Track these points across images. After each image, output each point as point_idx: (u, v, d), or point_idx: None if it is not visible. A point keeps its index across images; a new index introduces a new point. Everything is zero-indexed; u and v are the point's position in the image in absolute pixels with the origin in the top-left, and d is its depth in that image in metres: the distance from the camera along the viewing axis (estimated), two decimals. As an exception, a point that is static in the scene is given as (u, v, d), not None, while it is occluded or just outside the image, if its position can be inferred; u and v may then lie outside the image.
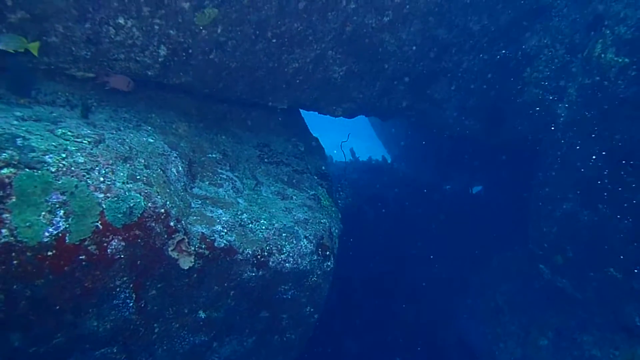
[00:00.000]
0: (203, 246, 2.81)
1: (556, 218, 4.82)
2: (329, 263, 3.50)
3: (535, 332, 6.06)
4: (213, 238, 2.88)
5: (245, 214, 3.23)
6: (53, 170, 2.26)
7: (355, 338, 6.84)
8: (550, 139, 4.66)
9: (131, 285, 2.52)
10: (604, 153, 4.19)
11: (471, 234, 7.61)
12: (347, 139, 9.69)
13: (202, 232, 2.86)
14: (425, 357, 7.35)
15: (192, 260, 2.65)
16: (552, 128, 4.58)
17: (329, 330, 6.48)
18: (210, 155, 3.59)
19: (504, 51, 4.45)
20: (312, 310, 3.55)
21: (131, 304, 2.56)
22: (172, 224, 2.60)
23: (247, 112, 4.61)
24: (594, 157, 4.29)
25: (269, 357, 3.57)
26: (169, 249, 2.56)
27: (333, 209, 4.02)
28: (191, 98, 4.14)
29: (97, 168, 2.42)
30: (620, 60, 4.05)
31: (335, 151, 9.86)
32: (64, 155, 2.34)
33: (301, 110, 5.05)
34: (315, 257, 3.37)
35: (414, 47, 4.05)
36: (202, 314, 2.96)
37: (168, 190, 2.71)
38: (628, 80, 3.93)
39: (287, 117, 4.88)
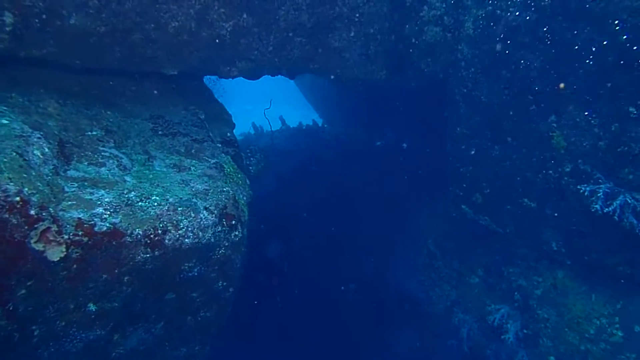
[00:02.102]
0: (80, 233, 2.50)
1: (470, 157, 4.82)
2: (237, 233, 3.28)
3: (466, 273, 6.20)
4: (92, 222, 2.58)
5: (133, 192, 2.92)
6: None
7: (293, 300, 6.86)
8: (456, 77, 4.61)
9: (-9, 288, 2.19)
10: (505, 85, 4.18)
11: (403, 188, 7.64)
12: (270, 105, 9.41)
13: (79, 218, 2.54)
14: (369, 312, 7.43)
15: (64, 250, 2.35)
16: (457, 65, 4.52)
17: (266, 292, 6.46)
18: (89, 133, 3.22)
19: (399, -9, 4.29)
20: (225, 284, 3.34)
21: (-4, 309, 2.24)
22: (32, 212, 2.27)
23: (139, 84, 4.22)
24: (496, 90, 4.27)
25: (185, 340, 3.35)
26: (32, 241, 2.24)
27: (239, 175, 3.77)
28: (71, 73, 3.71)
29: None
30: (512, -11, 4.00)
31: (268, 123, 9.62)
32: None
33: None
34: (220, 229, 3.13)
35: (305, -6, 3.80)
36: (92, 307, 2.67)
37: (25, 176, 2.36)
38: (518, 6, 3.89)
39: (186, 86, 4.53)
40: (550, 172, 4.26)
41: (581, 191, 3.98)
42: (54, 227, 2.34)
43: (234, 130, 4.55)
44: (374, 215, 7.76)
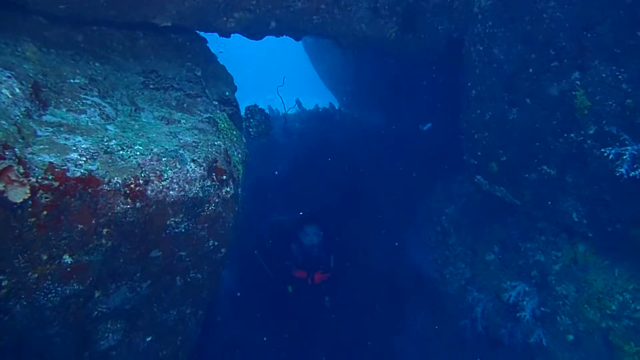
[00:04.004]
0: (50, 177, 2.31)
1: (486, 122, 4.51)
2: (228, 189, 3.06)
3: (481, 249, 5.91)
4: (65, 167, 2.39)
5: (114, 141, 2.72)
6: None
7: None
8: (472, 34, 4.28)
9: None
10: (523, 40, 3.85)
11: (418, 168, 7.39)
12: (283, 82, 9.22)
13: (50, 162, 2.35)
14: (384, 294, 7.22)
15: (27, 192, 2.16)
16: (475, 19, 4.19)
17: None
18: (71, 80, 3.03)
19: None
20: (216, 244, 3.13)
21: (-44, 256, 2.07)
22: (-8, 149, 2.07)
23: (133, 40, 4.03)
24: (515, 46, 3.95)
25: (174, 302, 3.16)
26: (-9, 180, 2.06)
27: (234, 132, 3.55)
28: (57, 23, 3.53)
29: None
30: None
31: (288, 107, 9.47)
32: None
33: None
34: (209, 183, 2.92)
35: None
36: (67, 259, 2.49)
37: (-13, 111, 2.17)
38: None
39: (184, 44, 4.31)
40: (572, 135, 3.93)
41: (605, 154, 3.66)
42: (18, 167, 2.14)
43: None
44: (388, 197, 7.53)
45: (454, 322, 6.28)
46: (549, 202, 4.42)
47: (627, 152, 3.54)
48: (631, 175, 3.51)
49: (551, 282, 4.87)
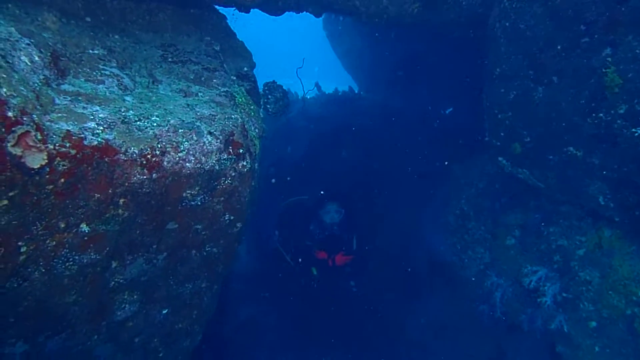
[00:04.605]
0: (67, 144, 2.30)
1: (509, 101, 4.38)
2: (245, 163, 3.03)
3: (502, 233, 5.79)
4: (82, 136, 2.38)
5: (131, 111, 2.71)
6: None
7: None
8: (497, 9, 4.14)
9: (-34, 196, 2.03)
10: (551, 15, 3.70)
11: (439, 151, 7.26)
12: (302, 64, 9.15)
13: (67, 130, 2.35)
14: (400, 280, 7.16)
15: (45, 158, 2.15)
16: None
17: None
18: (90, 51, 3.02)
19: None
20: (232, 218, 3.11)
21: (-27, 220, 2.09)
22: (10, 114, 2.07)
23: (152, 14, 4.00)
24: (543, 20, 3.80)
25: (190, 275, 3.17)
26: (9, 145, 2.05)
27: (252, 107, 3.51)
28: None
29: None
30: None
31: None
32: None
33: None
34: (226, 156, 2.89)
35: None
36: (85, 228, 2.50)
37: (5, 76, 2.16)
38: None
39: (203, 17, 4.27)
40: (601, 114, 3.78)
41: (637, 135, 3.52)
42: (35, 133, 2.14)
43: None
44: (407, 181, 7.43)
45: (472, 307, 6.19)
46: (574, 185, 4.29)
47: (659, 132, 3.39)
48: (663, 156, 3.37)
49: (574, 268, 4.75)
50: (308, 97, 9.80)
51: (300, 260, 6.04)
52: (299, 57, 9.39)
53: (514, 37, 4.10)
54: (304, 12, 4.63)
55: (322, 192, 6.02)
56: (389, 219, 7.45)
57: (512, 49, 4.16)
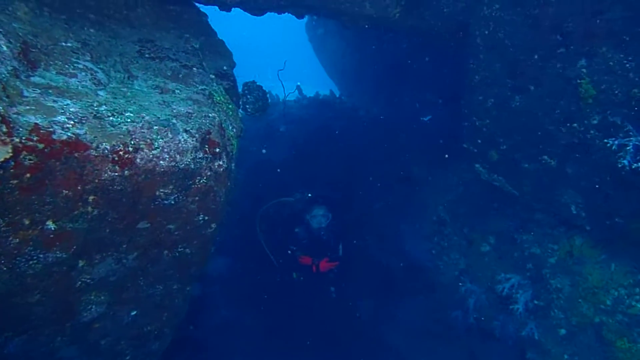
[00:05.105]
0: (34, 138, 2.22)
1: (488, 109, 4.43)
2: (221, 162, 2.98)
3: (477, 240, 5.85)
4: (51, 129, 2.30)
5: (104, 106, 2.63)
6: None
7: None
8: (478, 17, 4.18)
9: None
10: (530, 24, 3.75)
11: (418, 157, 7.29)
12: (284, 66, 9.10)
13: (36, 123, 2.26)
14: (378, 285, 7.14)
15: (9, 151, 2.07)
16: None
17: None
18: (63, 43, 2.93)
19: None
20: (206, 218, 3.05)
21: None
22: (-26, 104, 1.98)
23: (131, 9, 3.91)
24: (522, 30, 3.85)
25: (161, 276, 3.09)
26: (-29, 136, 1.97)
27: (230, 106, 3.46)
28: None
29: None
30: None
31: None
32: None
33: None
34: (201, 155, 2.84)
35: None
36: (51, 225, 2.41)
37: (-30, 65, 2.07)
38: None
39: (182, 14, 4.21)
40: (575, 125, 3.85)
41: (608, 145, 3.58)
42: (0, 126, 2.06)
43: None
44: (386, 186, 7.45)
45: (446, 312, 6.23)
46: (548, 194, 4.35)
47: (630, 143, 3.47)
48: (634, 167, 3.45)
49: (546, 276, 4.82)
50: (289, 98, 9.76)
51: (282, 262, 5.95)
52: (280, 60, 9.34)
53: (493, 45, 4.15)
54: (286, 12, 4.61)
55: (309, 195, 5.93)
56: (369, 224, 7.46)
57: (491, 56, 4.21)
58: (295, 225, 5.95)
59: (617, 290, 4.19)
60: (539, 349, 4.85)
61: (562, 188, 4.20)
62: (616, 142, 3.54)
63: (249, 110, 4.18)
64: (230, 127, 3.26)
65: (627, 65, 3.40)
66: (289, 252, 5.86)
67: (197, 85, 3.34)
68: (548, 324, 4.77)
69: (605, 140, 3.60)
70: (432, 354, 6.47)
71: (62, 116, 2.40)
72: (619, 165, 3.50)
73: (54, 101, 2.47)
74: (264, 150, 7.65)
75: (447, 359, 6.29)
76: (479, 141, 4.67)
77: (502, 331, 5.40)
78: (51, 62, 2.74)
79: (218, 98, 3.34)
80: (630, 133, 3.49)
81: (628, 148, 3.46)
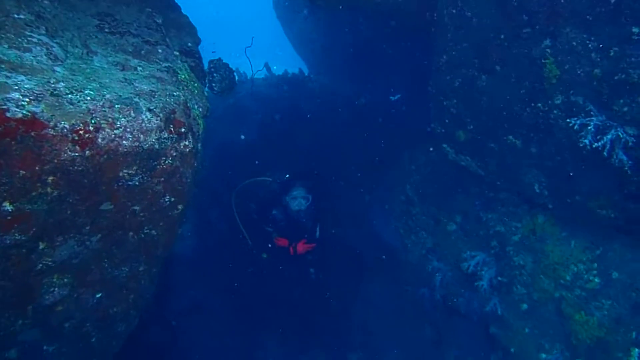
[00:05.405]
0: (-14, 116, 2.11)
1: (455, 89, 4.46)
2: (187, 142, 2.91)
3: (444, 219, 5.96)
4: (5, 107, 2.19)
5: (62, 83, 2.52)
6: None
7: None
8: (446, -3, 4.19)
9: None
10: (497, 4, 3.78)
11: (387, 137, 7.31)
12: (251, 43, 8.92)
13: (-13, 100, 2.15)
14: (348, 265, 7.19)
15: (-42, 129, 1.96)
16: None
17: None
18: (15, 15, 2.78)
19: None
20: (172, 199, 3.00)
21: None
22: None
23: (89, -18, 3.74)
24: (489, 9, 3.87)
25: (126, 258, 3.03)
26: None
27: (195, 84, 3.38)
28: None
29: None
30: None
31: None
32: None
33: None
34: (166, 135, 2.77)
35: None
36: (8, 207, 2.32)
37: None
38: None
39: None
40: (539, 104, 3.92)
41: (570, 125, 3.67)
42: (-52, 101, 1.94)
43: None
44: (356, 166, 7.46)
45: (414, 290, 6.36)
46: (513, 173, 4.45)
47: (591, 123, 3.55)
48: (594, 146, 3.54)
49: (509, 253, 4.96)
50: (257, 76, 9.60)
51: (257, 242, 5.86)
52: (248, 37, 9.16)
53: (461, 24, 4.16)
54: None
55: (287, 176, 5.83)
56: (342, 205, 7.48)
57: (459, 36, 4.23)
58: (272, 206, 5.87)
59: (576, 265, 4.35)
60: (502, 324, 5.02)
61: (526, 167, 4.30)
62: (578, 121, 3.62)
63: (215, 89, 4.09)
64: (196, 107, 3.18)
65: (590, 45, 3.46)
66: (265, 232, 5.80)
67: (161, 63, 3.24)
68: (511, 300, 4.93)
69: (568, 120, 3.68)
70: (400, 330, 6.62)
71: (17, 93, 2.28)
72: (580, 145, 3.59)
73: (7, 77, 2.34)
74: (242, 136, 7.50)
75: (414, 335, 6.44)
76: (447, 121, 4.72)
77: (467, 307, 5.56)
78: (2, 35, 2.59)
79: (182, 76, 3.25)
80: (592, 113, 3.58)
81: (589, 128, 3.55)
